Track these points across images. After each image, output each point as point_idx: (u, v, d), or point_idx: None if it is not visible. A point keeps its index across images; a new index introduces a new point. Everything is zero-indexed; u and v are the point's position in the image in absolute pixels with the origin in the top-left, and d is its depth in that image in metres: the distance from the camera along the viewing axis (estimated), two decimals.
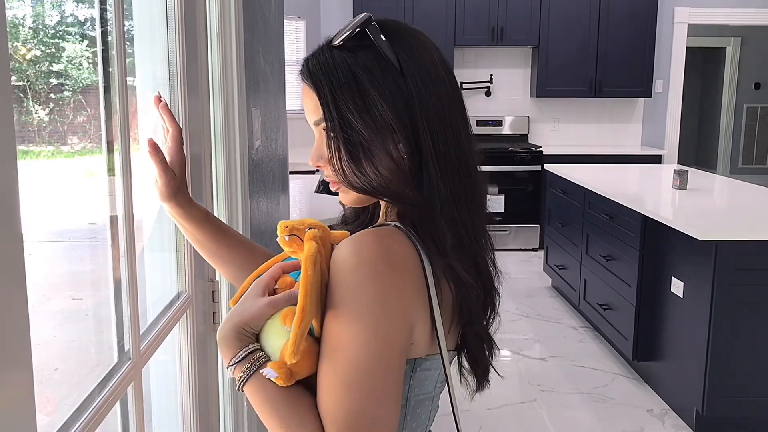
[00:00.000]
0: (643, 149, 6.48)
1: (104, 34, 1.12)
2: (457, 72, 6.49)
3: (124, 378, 1.04)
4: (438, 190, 0.85)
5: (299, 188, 3.73)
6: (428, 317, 0.83)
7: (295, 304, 0.79)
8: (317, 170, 0.94)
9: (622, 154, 6.17)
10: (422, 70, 0.86)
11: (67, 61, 1.26)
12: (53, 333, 1.42)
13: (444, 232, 0.84)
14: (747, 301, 2.87)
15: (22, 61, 1.15)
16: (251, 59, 1.92)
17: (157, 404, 1.46)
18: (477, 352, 0.93)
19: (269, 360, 0.81)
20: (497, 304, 0.96)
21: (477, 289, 0.87)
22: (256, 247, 1.18)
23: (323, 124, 0.86)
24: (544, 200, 5.47)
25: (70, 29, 1.28)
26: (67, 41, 1.27)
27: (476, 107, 6.59)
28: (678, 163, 6.19)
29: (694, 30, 6.81)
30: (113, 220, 1.13)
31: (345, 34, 0.86)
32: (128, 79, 1.10)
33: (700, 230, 2.85)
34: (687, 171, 3.95)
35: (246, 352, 0.82)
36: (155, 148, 1.09)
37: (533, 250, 6.25)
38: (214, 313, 1.58)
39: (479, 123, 6.50)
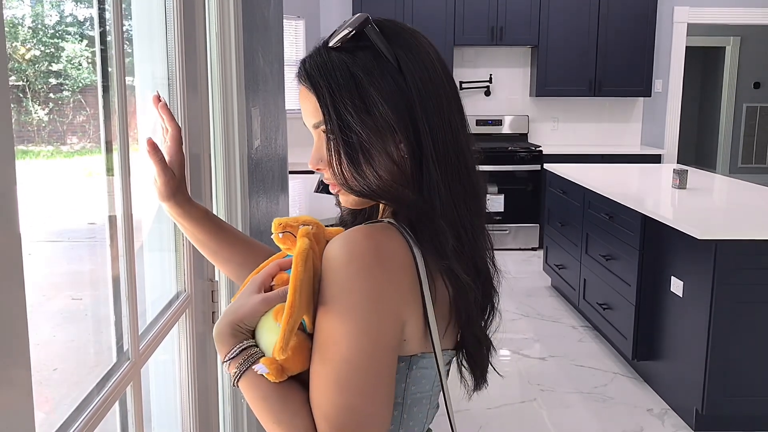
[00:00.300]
0: (643, 149, 6.48)
1: (103, 34, 1.12)
2: (457, 71, 6.49)
3: (123, 378, 1.04)
4: (438, 191, 0.85)
5: (299, 188, 3.73)
6: (421, 314, 0.82)
7: None
8: (319, 171, 0.94)
9: (621, 154, 6.17)
10: (421, 69, 0.86)
11: (66, 60, 1.26)
12: (53, 333, 1.42)
13: (444, 234, 0.83)
14: (747, 300, 2.87)
15: (21, 60, 1.15)
16: (250, 59, 1.92)
17: (156, 404, 1.46)
18: (475, 353, 0.93)
19: (263, 356, 0.82)
20: (496, 305, 0.96)
21: (475, 290, 0.87)
22: (258, 245, 1.18)
23: (323, 127, 0.86)
24: (544, 200, 5.47)
25: (70, 29, 1.28)
26: (67, 41, 1.27)
27: (476, 107, 6.59)
28: (677, 163, 6.19)
29: (693, 29, 6.81)
30: (112, 219, 1.13)
31: (342, 35, 0.85)
32: (127, 78, 1.10)
33: (699, 229, 2.85)
34: (687, 170, 3.95)
35: (240, 348, 0.83)
36: (154, 148, 1.09)
37: (533, 249, 6.25)
38: (213, 312, 1.58)
39: (479, 122, 6.49)
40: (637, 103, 6.68)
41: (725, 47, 9.63)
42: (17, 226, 0.62)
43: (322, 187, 3.77)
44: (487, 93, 6.61)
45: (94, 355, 1.40)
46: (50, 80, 1.24)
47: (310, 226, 0.87)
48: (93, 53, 1.19)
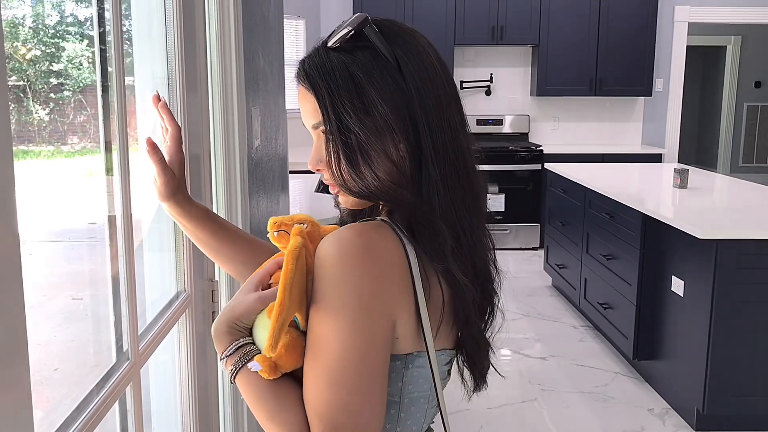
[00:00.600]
0: (644, 148, 6.47)
1: (102, 34, 1.12)
2: (457, 71, 6.49)
3: (122, 378, 1.04)
4: (437, 191, 0.84)
5: (299, 188, 3.73)
6: (413, 312, 0.82)
7: None
8: (319, 172, 0.94)
9: (622, 153, 6.16)
10: (420, 69, 0.86)
11: (67, 60, 1.26)
12: (53, 333, 1.42)
13: (443, 235, 0.83)
14: (748, 299, 2.86)
15: (22, 60, 1.15)
16: (250, 58, 1.92)
17: (156, 404, 1.45)
18: (474, 354, 0.92)
19: (259, 353, 0.83)
20: (496, 306, 0.96)
21: (473, 291, 0.87)
22: (260, 243, 1.18)
23: (322, 128, 0.86)
24: (545, 199, 5.47)
25: (70, 29, 1.28)
26: (67, 41, 1.27)
27: (476, 106, 6.58)
28: (678, 162, 6.19)
29: (694, 28, 6.80)
30: (111, 219, 1.13)
31: (342, 35, 0.85)
32: (127, 78, 1.10)
33: (700, 229, 2.85)
34: (687, 170, 3.94)
35: (236, 346, 0.85)
36: (154, 148, 1.09)
37: (533, 249, 6.24)
38: (213, 312, 1.58)
39: (479, 122, 6.49)
40: (637, 103, 6.67)
41: (726, 46, 9.62)
42: (16, 226, 0.62)
43: (323, 187, 3.76)
44: (488, 92, 6.61)
45: (94, 355, 1.40)
46: (51, 80, 1.24)
47: (305, 225, 0.87)
48: (93, 53, 1.19)
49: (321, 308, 0.79)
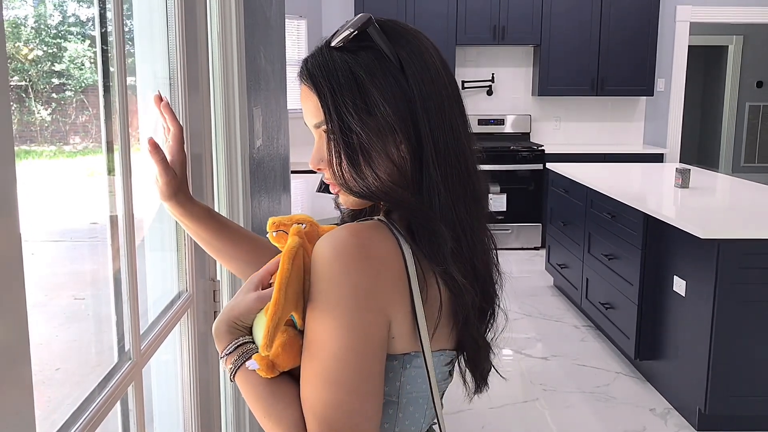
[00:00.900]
0: (645, 148, 6.47)
1: (104, 34, 1.12)
2: (459, 71, 6.49)
3: (124, 378, 1.04)
4: (437, 192, 0.84)
5: (301, 188, 3.73)
6: (409, 312, 0.82)
7: None
8: (320, 171, 0.94)
9: (624, 153, 6.16)
10: (423, 70, 0.86)
11: (69, 60, 1.27)
12: (55, 333, 1.42)
13: (443, 237, 0.83)
14: (749, 299, 2.86)
15: (24, 61, 1.15)
16: (252, 58, 1.92)
17: (158, 404, 1.46)
18: (473, 356, 0.92)
19: (257, 352, 0.84)
20: (497, 309, 0.96)
21: (472, 293, 0.87)
22: (262, 242, 1.18)
23: (323, 127, 0.86)
24: (546, 199, 5.46)
25: (72, 29, 1.28)
26: (69, 41, 1.27)
27: (478, 106, 6.58)
28: (680, 162, 6.19)
29: (696, 28, 6.79)
30: (113, 219, 1.13)
31: (345, 35, 0.85)
32: (129, 78, 1.10)
33: (702, 229, 2.85)
34: (689, 169, 3.94)
35: (236, 345, 0.86)
36: (156, 147, 1.09)
37: (535, 249, 6.24)
38: (215, 312, 1.58)
39: (481, 122, 6.49)
40: (639, 102, 6.67)
41: (728, 46, 9.61)
42: (18, 226, 0.62)
43: (324, 187, 3.77)
44: (490, 92, 6.61)
45: (96, 354, 1.41)
46: (53, 80, 1.24)
47: (303, 225, 0.88)
48: (95, 53, 1.19)
49: (317, 307, 0.79)
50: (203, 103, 1.51)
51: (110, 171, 1.13)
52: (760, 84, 9.67)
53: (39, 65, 1.19)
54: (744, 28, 9.24)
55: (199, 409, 1.46)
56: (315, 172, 0.93)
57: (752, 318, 2.87)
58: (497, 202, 6.05)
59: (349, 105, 0.83)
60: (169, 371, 1.45)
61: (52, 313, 1.41)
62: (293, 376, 0.84)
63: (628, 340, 3.58)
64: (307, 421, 0.79)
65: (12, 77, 1.09)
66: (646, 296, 3.44)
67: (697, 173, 4.37)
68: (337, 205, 1.00)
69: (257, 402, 0.83)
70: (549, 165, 5.11)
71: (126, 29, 1.12)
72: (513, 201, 6.11)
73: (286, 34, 3.04)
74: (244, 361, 0.84)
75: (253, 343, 0.86)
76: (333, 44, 0.86)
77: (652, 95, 6.44)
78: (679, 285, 3.14)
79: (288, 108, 2.83)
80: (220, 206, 1.68)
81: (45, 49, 1.21)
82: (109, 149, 1.13)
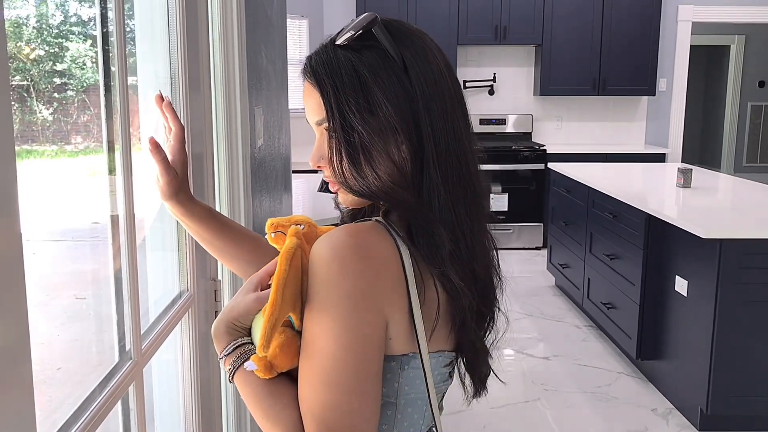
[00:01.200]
0: (647, 148, 6.46)
1: (106, 34, 1.12)
2: (461, 71, 6.48)
3: (125, 377, 1.04)
4: (437, 194, 0.84)
5: (302, 187, 3.73)
6: (406, 313, 0.82)
7: None
8: (320, 169, 0.94)
9: (625, 153, 6.15)
10: (427, 71, 0.85)
11: (70, 60, 1.27)
12: (56, 332, 1.43)
13: (441, 238, 0.83)
14: (751, 299, 2.86)
15: (26, 60, 1.15)
16: (253, 58, 1.92)
17: (159, 403, 1.46)
18: (471, 359, 0.92)
19: (255, 353, 0.83)
20: (496, 314, 0.95)
21: (470, 296, 0.86)
22: (263, 241, 1.17)
23: (325, 124, 0.86)
24: (548, 199, 5.46)
25: (74, 29, 1.28)
26: (71, 41, 1.27)
27: (479, 106, 6.58)
28: (682, 162, 6.18)
29: (697, 28, 6.78)
30: (114, 219, 1.13)
31: (350, 34, 0.85)
32: (130, 78, 1.10)
33: (704, 228, 2.84)
34: (691, 169, 3.94)
35: (234, 346, 0.86)
36: (157, 147, 1.09)
37: (536, 248, 6.24)
38: (216, 312, 1.58)
39: (482, 121, 6.49)
40: (641, 102, 6.66)
41: (730, 46, 9.60)
42: (19, 226, 0.62)
43: (325, 187, 3.76)
44: (491, 92, 6.60)
45: (97, 354, 1.41)
46: (54, 80, 1.24)
47: (301, 226, 0.88)
48: (96, 53, 1.19)
49: (314, 308, 0.79)
50: (204, 103, 1.51)
51: (111, 170, 1.13)
52: (762, 84, 9.66)
53: (40, 65, 1.19)
54: (746, 27, 9.23)
55: (200, 408, 1.46)
56: (316, 172, 0.93)
57: (754, 318, 2.87)
58: (499, 201, 6.05)
59: (352, 103, 0.83)
60: (170, 371, 1.45)
61: (54, 312, 1.41)
62: (291, 376, 0.84)
63: (630, 340, 3.58)
64: (305, 421, 0.79)
65: (14, 77, 1.09)
66: (648, 296, 3.44)
67: (699, 173, 4.37)
68: (337, 205, 1.00)
69: (255, 403, 0.83)
70: (550, 165, 5.11)
71: (127, 29, 1.12)
72: (514, 201, 6.11)
73: (288, 33, 3.04)
74: (243, 362, 0.84)
75: (252, 344, 0.86)
76: (338, 42, 0.86)
77: (654, 95, 6.43)
78: (680, 285, 3.14)
79: (289, 107, 2.83)
80: (221, 206, 1.68)
81: (46, 48, 1.21)
82: (111, 149, 1.13)
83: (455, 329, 0.88)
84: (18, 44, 1.12)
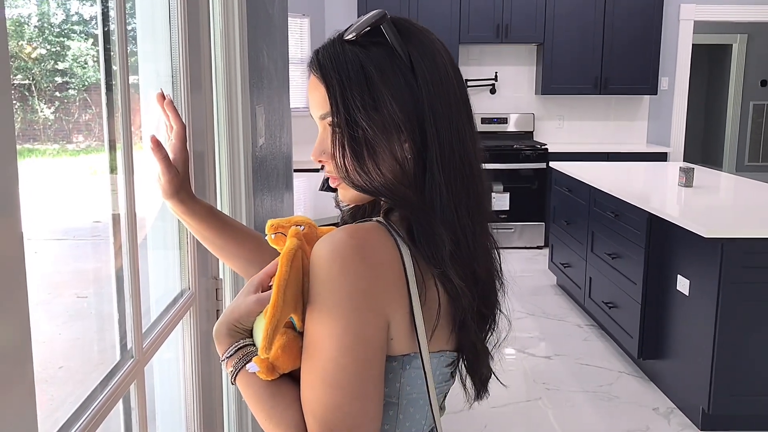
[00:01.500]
0: (649, 147, 6.45)
1: (107, 33, 1.12)
2: (462, 69, 6.44)
3: (126, 376, 1.04)
4: (440, 194, 0.84)
5: (304, 186, 3.73)
6: (407, 313, 0.82)
7: None
8: (321, 168, 0.94)
9: (627, 152, 6.15)
10: (433, 71, 0.85)
11: (72, 59, 1.27)
12: (58, 331, 1.43)
13: (442, 239, 0.83)
14: (753, 298, 2.85)
15: (27, 59, 1.15)
16: (255, 56, 1.92)
17: (160, 402, 1.46)
18: (472, 360, 0.92)
19: (257, 354, 0.83)
20: (497, 316, 0.95)
21: (470, 296, 0.86)
22: (265, 240, 1.17)
23: (329, 119, 0.86)
24: (549, 198, 5.46)
25: (75, 28, 1.28)
26: (72, 40, 1.27)
27: (481, 105, 6.57)
28: (684, 161, 6.17)
29: (699, 27, 6.78)
30: (116, 218, 1.13)
31: (359, 29, 0.84)
32: (131, 77, 1.10)
33: (706, 228, 2.84)
34: (693, 168, 3.93)
35: (236, 347, 0.86)
36: (158, 145, 1.09)
37: (538, 248, 6.23)
38: (217, 310, 1.58)
39: (484, 120, 6.48)
40: (643, 101, 6.65)
41: (732, 45, 9.58)
42: (20, 225, 0.63)
43: (327, 186, 3.77)
44: (493, 91, 6.60)
45: (99, 353, 1.41)
46: (56, 79, 1.24)
47: (301, 227, 0.87)
48: (98, 51, 1.19)
49: (315, 309, 0.79)
50: (206, 101, 1.51)
51: (113, 169, 1.13)
52: (764, 83, 9.64)
53: (42, 64, 1.19)
54: (748, 26, 9.21)
55: (202, 406, 1.46)
56: (317, 171, 0.93)
57: (756, 317, 2.87)
58: (500, 201, 6.05)
59: (357, 99, 0.82)
60: (171, 369, 1.45)
61: (55, 311, 1.42)
62: (294, 377, 0.84)
63: (632, 340, 3.58)
64: (308, 423, 0.79)
65: (15, 76, 1.09)
66: (650, 295, 3.44)
67: (700, 172, 4.36)
68: (337, 204, 1.00)
69: (258, 404, 0.83)
70: (552, 164, 5.11)
71: (129, 28, 1.12)
72: (516, 200, 6.11)
73: (289, 32, 3.04)
74: (245, 364, 0.84)
75: (254, 345, 0.86)
76: (346, 37, 0.86)
77: (656, 94, 6.42)
78: (682, 284, 3.14)
79: (291, 106, 2.83)
80: (223, 204, 1.68)
81: (48, 47, 1.21)
82: (112, 148, 1.13)
83: (456, 330, 0.87)
84: (20, 43, 1.12)
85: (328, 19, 6.28)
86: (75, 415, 0.89)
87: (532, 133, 6.59)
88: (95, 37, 1.22)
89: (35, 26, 1.17)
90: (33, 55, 1.17)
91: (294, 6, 5.24)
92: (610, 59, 6.24)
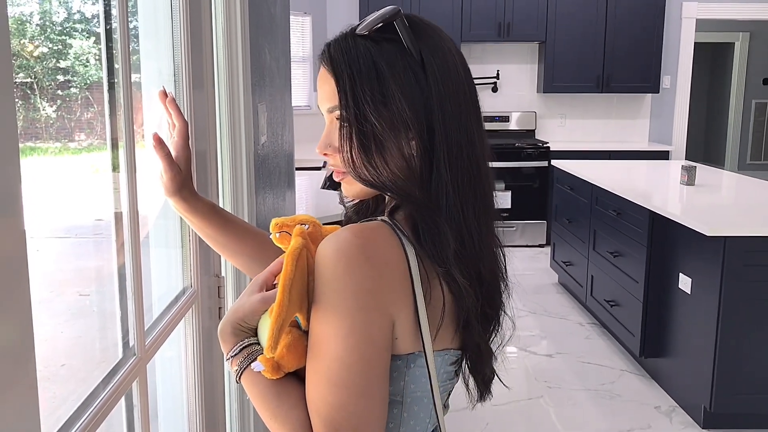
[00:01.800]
0: (651, 145, 6.45)
1: (109, 31, 1.12)
2: None
3: (128, 374, 1.05)
4: (446, 193, 0.84)
5: (306, 184, 3.73)
6: (411, 312, 0.82)
7: None
8: (323, 166, 0.94)
9: (629, 150, 6.15)
10: (444, 70, 0.85)
11: (74, 57, 1.27)
12: (60, 329, 1.43)
13: (447, 238, 0.83)
14: (755, 297, 2.85)
15: (29, 57, 1.15)
16: (257, 55, 1.92)
17: (163, 399, 1.46)
18: (476, 360, 0.92)
19: (262, 353, 0.83)
20: (502, 317, 0.95)
21: (473, 296, 0.86)
22: (267, 238, 1.17)
23: (337, 112, 0.85)
24: (551, 196, 5.45)
25: (77, 26, 1.28)
26: (74, 38, 1.27)
27: (483, 103, 6.24)
28: (686, 159, 6.17)
29: (702, 25, 6.76)
30: (118, 216, 1.13)
31: (372, 24, 0.84)
32: (133, 75, 1.10)
33: (708, 226, 2.84)
34: (695, 167, 3.93)
35: (241, 346, 0.85)
36: (160, 143, 1.09)
37: (540, 246, 6.23)
38: (219, 308, 1.58)
39: (486, 119, 6.40)
40: (645, 100, 6.65)
41: (734, 43, 9.57)
42: (22, 223, 0.63)
43: (329, 184, 3.77)
44: (495, 89, 6.60)
45: (101, 351, 1.41)
46: (58, 77, 1.24)
47: (306, 225, 0.87)
48: (100, 50, 1.19)
49: (320, 308, 0.79)
50: (208, 100, 1.51)
51: (115, 167, 1.13)
52: (766, 81, 9.62)
53: (44, 62, 1.19)
54: (750, 24, 9.19)
55: (204, 404, 1.46)
56: (320, 169, 0.92)
57: (758, 315, 2.86)
58: (502, 199, 6.04)
59: (367, 93, 0.82)
60: (173, 367, 1.46)
61: (57, 309, 1.42)
62: (299, 376, 0.84)
63: (633, 338, 3.58)
64: (312, 422, 0.79)
65: (17, 74, 1.09)
66: (652, 293, 3.43)
67: (702, 170, 4.36)
68: (341, 200, 1.00)
69: (263, 403, 0.83)
70: (554, 162, 5.10)
71: (131, 26, 1.12)
72: (518, 198, 6.11)
73: (291, 30, 3.04)
74: (250, 363, 0.83)
75: (259, 344, 0.86)
76: (358, 32, 0.86)
77: (658, 92, 6.41)
78: (684, 282, 3.13)
79: (293, 104, 2.83)
80: (225, 202, 1.68)
81: (50, 45, 1.21)
82: (114, 146, 1.13)
83: (460, 329, 0.87)
84: (21, 41, 1.12)
85: (329, 18, 6.27)
86: (77, 412, 0.89)
87: (534, 131, 6.59)
88: (97, 35, 1.22)
89: (37, 24, 1.17)
90: (35, 54, 1.17)
91: (296, 4, 5.24)
92: (612, 57, 6.23)
